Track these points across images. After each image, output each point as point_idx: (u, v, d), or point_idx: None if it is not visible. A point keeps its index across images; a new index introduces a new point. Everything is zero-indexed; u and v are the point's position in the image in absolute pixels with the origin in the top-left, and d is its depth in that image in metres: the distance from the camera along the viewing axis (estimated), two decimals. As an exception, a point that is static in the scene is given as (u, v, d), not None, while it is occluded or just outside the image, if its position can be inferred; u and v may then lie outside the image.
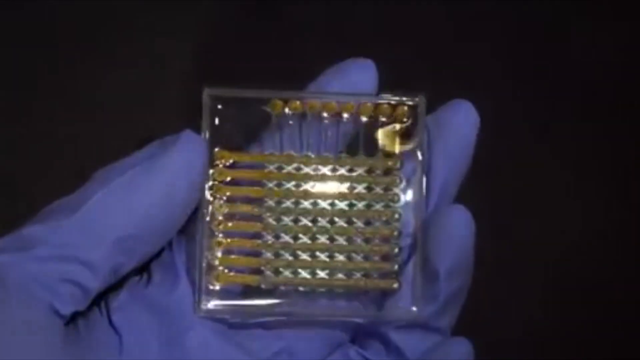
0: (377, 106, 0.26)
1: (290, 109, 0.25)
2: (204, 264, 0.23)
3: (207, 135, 0.24)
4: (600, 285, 0.33)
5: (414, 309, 0.24)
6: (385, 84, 0.37)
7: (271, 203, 0.24)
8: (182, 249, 0.25)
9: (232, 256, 0.24)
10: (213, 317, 0.24)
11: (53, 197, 0.34)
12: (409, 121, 0.26)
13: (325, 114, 0.25)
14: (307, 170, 0.25)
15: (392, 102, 0.26)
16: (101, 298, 0.24)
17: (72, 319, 0.22)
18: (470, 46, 0.38)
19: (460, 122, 0.26)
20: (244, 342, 0.24)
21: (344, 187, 0.25)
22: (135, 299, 0.24)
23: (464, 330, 0.31)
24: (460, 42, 0.38)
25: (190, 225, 0.25)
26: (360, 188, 0.25)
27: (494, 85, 0.37)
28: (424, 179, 0.25)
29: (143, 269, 0.25)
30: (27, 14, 0.36)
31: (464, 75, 0.37)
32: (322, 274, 0.24)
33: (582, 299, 0.33)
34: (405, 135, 0.26)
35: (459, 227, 0.24)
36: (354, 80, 0.26)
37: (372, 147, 0.26)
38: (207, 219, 0.24)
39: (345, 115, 0.26)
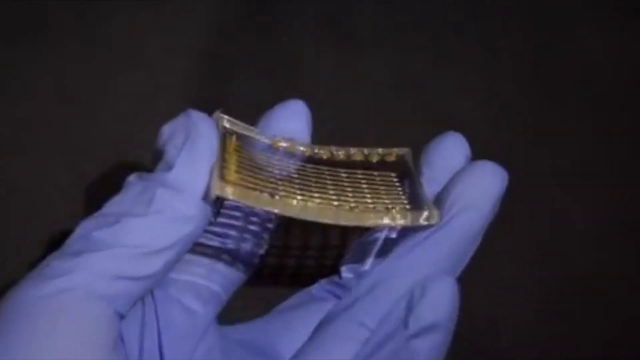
0: (368, 155, 0.27)
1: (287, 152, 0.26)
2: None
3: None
4: (599, 285, 0.33)
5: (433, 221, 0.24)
6: (386, 83, 0.37)
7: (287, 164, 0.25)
8: None
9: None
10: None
11: (53, 199, 0.34)
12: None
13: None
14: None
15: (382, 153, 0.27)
16: None
17: None
18: (471, 45, 0.38)
19: (451, 157, 0.26)
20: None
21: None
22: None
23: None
24: (461, 41, 0.38)
25: None
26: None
27: (495, 84, 0.37)
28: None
29: None
30: (24, 13, 0.36)
31: (464, 74, 0.37)
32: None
33: (582, 299, 0.33)
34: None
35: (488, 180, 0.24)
36: (289, 128, 0.27)
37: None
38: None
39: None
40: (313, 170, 0.26)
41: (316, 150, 0.26)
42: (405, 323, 0.23)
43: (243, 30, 0.37)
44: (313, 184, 0.25)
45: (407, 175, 0.26)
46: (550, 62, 0.38)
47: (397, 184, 0.26)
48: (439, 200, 0.25)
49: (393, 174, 0.26)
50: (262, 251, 0.27)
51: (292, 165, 0.26)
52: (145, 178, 0.23)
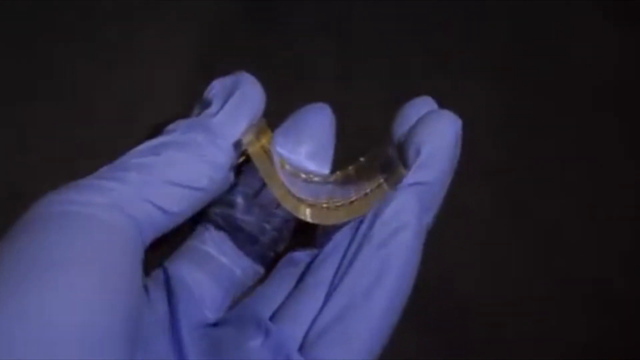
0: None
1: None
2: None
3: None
4: (600, 287, 0.33)
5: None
6: (386, 82, 0.37)
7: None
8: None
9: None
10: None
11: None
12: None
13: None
14: None
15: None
16: None
17: None
18: (471, 46, 0.38)
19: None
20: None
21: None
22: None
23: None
24: (461, 41, 0.38)
25: None
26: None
27: (495, 85, 0.37)
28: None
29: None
30: (23, 13, 0.36)
31: (464, 74, 0.37)
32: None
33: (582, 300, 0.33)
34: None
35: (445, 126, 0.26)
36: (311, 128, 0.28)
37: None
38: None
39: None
40: (312, 186, 0.26)
41: (316, 179, 0.27)
42: (371, 233, 0.24)
43: (243, 30, 0.37)
44: (309, 195, 0.26)
45: (382, 150, 0.27)
46: (550, 63, 0.38)
47: (376, 164, 0.27)
48: (403, 148, 0.25)
49: (375, 161, 0.27)
50: (274, 245, 0.27)
51: (298, 181, 0.26)
52: (188, 121, 0.24)
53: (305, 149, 0.27)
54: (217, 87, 0.26)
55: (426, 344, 0.31)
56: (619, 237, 0.34)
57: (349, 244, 0.24)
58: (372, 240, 0.24)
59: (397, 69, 0.37)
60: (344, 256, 0.24)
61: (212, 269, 0.26)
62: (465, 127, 0.35)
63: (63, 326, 0.18)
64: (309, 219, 0.25)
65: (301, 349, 0.23)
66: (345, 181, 0.27)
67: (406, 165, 0.25)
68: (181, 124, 0.25)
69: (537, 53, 0.38)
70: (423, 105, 0.27)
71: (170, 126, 0.25)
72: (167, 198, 0.23)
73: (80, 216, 0.21)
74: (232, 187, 0.27)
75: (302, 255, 0.26)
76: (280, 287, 0.25)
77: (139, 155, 0.23)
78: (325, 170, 0.28)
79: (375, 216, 0.24)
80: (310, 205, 0.25)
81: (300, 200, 0.25)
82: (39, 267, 0.19)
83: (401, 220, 0.24)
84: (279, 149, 0.27)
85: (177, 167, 0.23)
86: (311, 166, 0.27)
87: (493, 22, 0.38)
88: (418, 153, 0.25)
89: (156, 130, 0.25)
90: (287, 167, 0.27)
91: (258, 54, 0.36)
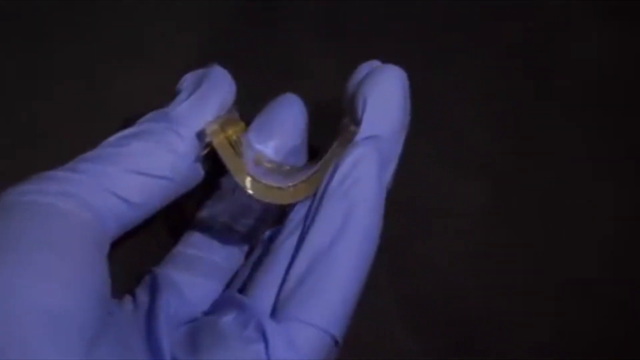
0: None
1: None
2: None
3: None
4: (601, 288, 0.33)
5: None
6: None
7: None
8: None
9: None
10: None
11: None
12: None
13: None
14: None
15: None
16: None
17: None
18: (471, 45, 0.38)
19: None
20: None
21: None
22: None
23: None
24: (461, 41, 0.38)
25: None
26: None
27: (496, 85, 0.37)
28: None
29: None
30: (22, 12, 0.36)
31: (463, 73, 0.37)
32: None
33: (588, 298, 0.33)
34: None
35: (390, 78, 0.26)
36: (285, 119, 0.28)
37: None
38: None
39: None
40: (291, 177, 0.26)
41: (287, 168, 0.27)
42: (331, 187, 0.24)
43: (242, 30, 0.37)
44: (282, 178, 0.26)
45: (342, 122, 0.27)
46: (550, 64, 0.38)
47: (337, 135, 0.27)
48: (351, 104, 0.26)
49: (338, 134, 0.27)
50: (256, 233, 0.27)
51: (278, 175, 0.26)
52: (155, 112, 0.25)
53: (281, 145, 0.27)
54: (188, 79, 0.26)
55: (425, 343, 0.31)
56: (605, 236, 0.34)
57: (311, 204, 0.24)
58: (333, 193, 0.24)
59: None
60: (306, 217, 0.24)
61: (198, 267, 0.26)
62: (465, 126, 0.35)
63: (16, 309, 0.18)
64: (283, 203, 0.25)
65: (274, 313, 0.23)
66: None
67: (356, 121, 0.25)
68: (149, 115, 0.25)
69: (537, 52, 0.38)
70: (370, 66, 0.27)
71: (141, 118, 0.25)
72: (129, 188, 0.23)
73: (41, 206, 0.21)
74: (212, 189, 0.27)
75: (267, 233, 0.26)
76: (248, 265, 0.26)
77: (106, 146, 0.24)
78: (303, 161, 0.28)
79: (334, 172, 0.24)
80: (280, 190, 0.25)
81: (269, 187, 0.25)
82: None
83: (360, 171, 0.24)
84: (257, 146, 0.27)
85: (138, 156, 0.23)
86: (289, 160, 0.27)
87: (493, 22, 0.39)
88: (365, 103, 0.25)
89: (129, 123, 0.25)
90: (266, 164, 0.27)
91: (257, 54, 0.36)
